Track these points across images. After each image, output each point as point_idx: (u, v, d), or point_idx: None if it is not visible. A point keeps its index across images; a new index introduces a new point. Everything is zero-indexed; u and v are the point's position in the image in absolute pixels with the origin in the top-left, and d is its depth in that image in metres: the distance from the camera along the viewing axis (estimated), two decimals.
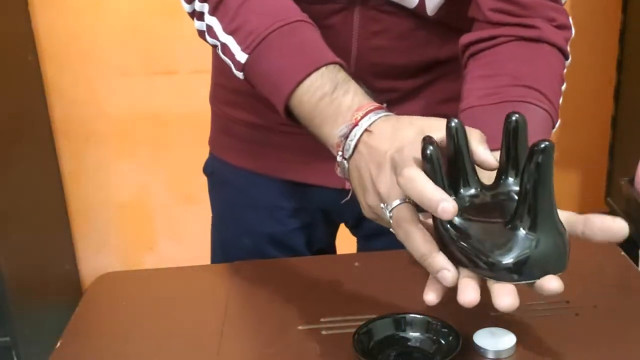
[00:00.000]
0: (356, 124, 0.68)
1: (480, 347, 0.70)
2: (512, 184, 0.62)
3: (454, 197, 0.61)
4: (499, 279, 0.58)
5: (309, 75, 0.72)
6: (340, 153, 0.70)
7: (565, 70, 0.83)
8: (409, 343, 0.71)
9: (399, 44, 0.89)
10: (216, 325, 0.78)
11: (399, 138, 0.65)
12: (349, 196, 0.73)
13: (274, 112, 0.78)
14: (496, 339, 0.70)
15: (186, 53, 2.00)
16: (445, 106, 0.96)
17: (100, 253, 2.24)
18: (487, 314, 0.76)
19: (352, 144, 0.68)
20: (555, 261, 0.57)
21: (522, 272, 0.57)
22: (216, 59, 1.03)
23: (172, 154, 2.13)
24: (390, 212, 0.63)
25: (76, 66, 2.04)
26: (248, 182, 1.02)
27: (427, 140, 0.60)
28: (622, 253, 0.89)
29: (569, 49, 0.83)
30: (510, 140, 0.62)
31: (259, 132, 0.98)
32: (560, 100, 0.80)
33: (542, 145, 0.54)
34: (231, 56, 0.78)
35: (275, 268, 0.91)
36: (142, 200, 2.19)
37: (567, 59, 0.83)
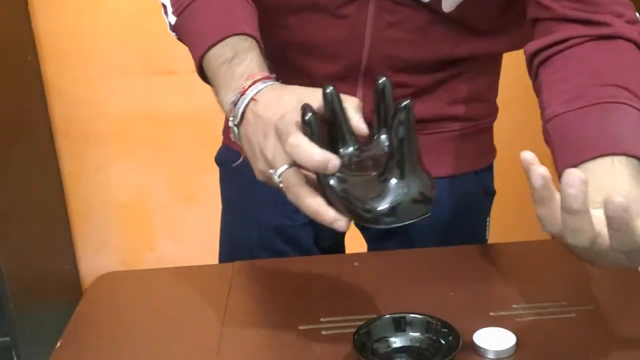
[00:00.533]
0: (244, 92, 0.72)
1: (480, 347, 0.70)
2: (384, 140, 0.69)
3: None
4: (378, 223, 0.65)
5: (217, 42, 0.76)
6: (231, 119, 0.73)
7: None
8: (409, 343, 0.71)
9: (414, 38, 0.88)
10: (216, 325, 0.78)
11: (281, 106, 0.69)
12: (241, 159, 0.76)
13: None
14: (496, 339, 0.70)
15: (186, 53, 1.98)
16: (458, 107, 0.96)
17: (100, 253, 2.24)
18: (487, 314, 0.76)
19: (240, 111, 0.72)
20: (422, 203, 0.65)
21: (396, 215, 0.64)
22: None
23: (172, 154, 2.13)
24: (279, 177, 0.67)
25: (76, 66, 2.04)
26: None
27: (306, 108, 0.66)
28: None
29: None
30: (379, 101, 0.69)
31: None
32: None
33: (403, 104, 0.61)
34: (166, 17, 0.85)
35: (275, 268, 0.91)
36: (142, 200, 2.19)
37: None
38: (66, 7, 1.98)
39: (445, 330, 0.70)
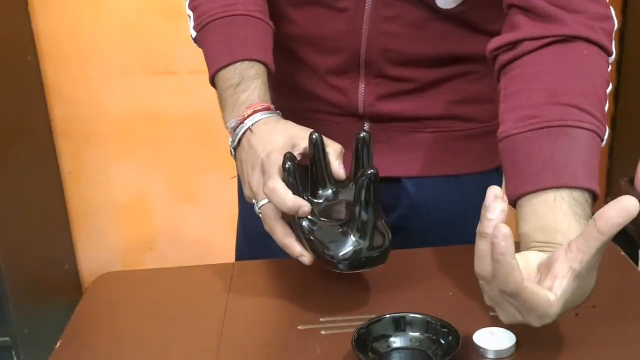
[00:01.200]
0: (243, 121, 0.80)
1: (480, 347, 0.70)
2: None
3: (308, 198, 0.76)
4: (335, 268, 0.73)
5: (226, 66, 0.83)
6: (230, 142, 0.82)
7: (610, 69, 0.77)
8: (409, 343, 0.71)
9: (411, 33, 0.89)
10: (216, 326, 0.78)
11: (271, 143, 0.77)
12: (234, 176, 0.87)
13: (302, 99, 0.93)
14: (496, 339, 0.70)
15: (186, 53, 2.00)
16: (464, 107, 0.96)
17: (100, 253, 2.24)
18: (487, 314, 0.76)
19: (237, 138, 0.80)
20: (377, 257, 0.73)
21: (352, 264, 0.72)
22: None
23: (172, 154, 2.13)
24: (259, 208, 0.77)
25: (76, 66, 2.04)
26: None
27: (288, 157, 0.74)
28: (622, 253, 0.89)
29: (612, 43, 0.76)
30: (360, 152, 0.78)
31: (287, 117, 0.99)
32: (607, 106, 0.75)
33: (367, 174, 0.70)
34: (190, 29, 0.90)
35: (275, 268, 0.91)
36: (142, 200, 2.19)
37: (609, 55, 0.77)
38: (66, 7, 1.98)
39: (445, 330, 0.70)
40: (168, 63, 2.04)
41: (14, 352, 1.83)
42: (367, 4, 0.88)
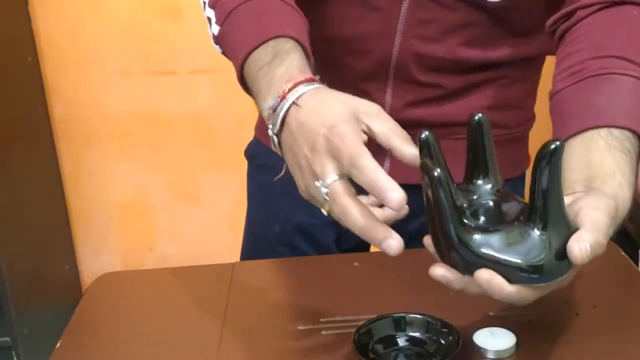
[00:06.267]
0: (284, 97, 0.65)
1: (480, 347, 0.70)
2: (483, 185, 0.64)
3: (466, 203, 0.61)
4: (520, 282, 0.58)
5: (258, 45, 0.70)
6: (270, 127, 0.67)
7: None
8: (409, 343, 0.71)
9: (446, 38, 0.87)
10: (216, 326, 0.78)
11: (329, 115, 0.62)
12: (282, 173, 0.71)
13: None
14: (496, 339, 0.70)
15: (186, 53, 2.00)
16: (493, 113, 0.94)
17: (100, 253, 2.24)
18: (487, 314, 0.76)
19: (280, 118, 0.65)
20: (568, 262, 0.58)
21: (542, 275, 0.58)
22: None
23: (171, 155, 2.13)
24: (325, 187, 0.61)
25: (76, 67, 2.04)
26: (286, 170, 1.01)
27: (423, 129, 0.61)
28: (622, 253, 0.89)
29: None
30: (476, 142, 0.64)
31: None
32: None
33: (552, 146, 0.55)
34: (210, 29, 0.80)
35: (275, 268, 0.91)
36: (142, 200, 2.19)
37: None
38: (66, 7, 1.98)
39: (445, 330, 0.70)
40: (168, 63, 2.04)
41: (14, 352, 1.83)
42: (403, 6, 0.85)
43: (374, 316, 0.73)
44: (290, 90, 0.65)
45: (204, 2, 0.84)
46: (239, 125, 1.96)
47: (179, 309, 0.83)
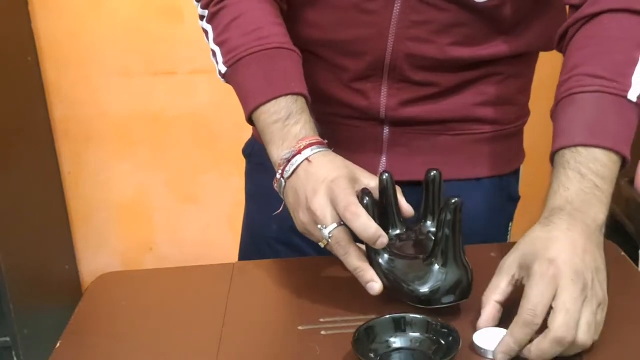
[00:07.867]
0: (299, 152, 0.80)
1: (480, 347, 0.70)
2: (430, 226, 0.81)
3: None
4: (417, 303, 0.75)
5: (269, 100, 0.83)
6: (280, 172, 0.82)
7: None
8: (409, 343, 0.71)
9: (438, 38, 0.89)
10: (216, 326, 0.78)
11: (335, 170, 0.78)
12: (280, 210, 0.85)
13: (321, 102, 0.91)
14: (496, 339, 0.70)
15: (186, 53, 2.00)
16: (487, 109, 0.96)
17: (100, 253, 2.24)
18: None
19: (293, 168, 0.80)
20: (460, 291, 0.74)
21: (435, 299, 0.74)
22: None
23: (171, 154, 2.13)
24: (329, 233, 0.76)
25: (76, 66, 2.04)
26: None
27: (365, 192, 0.76)
28: (622, 253, 0.89)
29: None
30: (429, 191, 0.81)
31: None
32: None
33: (453, 202, 0.71)
34: (216, 63, 0.89)
35: (275, 268, 0.91)
36: (142, 200, 2.19)
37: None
38: (66, 7, 1.98)
39: (445, 330, 0.70)
40: (168, 63, 2.04)
41: (14, 352, 1.83)
42: (395, 8, 0.87)
43: (374, 316, 0.73)
44: (305, 147, 0.80)
45: (201, 16, 0.91)
46: (239, 125, 1.94)
47: (179, 309, 0.83)
